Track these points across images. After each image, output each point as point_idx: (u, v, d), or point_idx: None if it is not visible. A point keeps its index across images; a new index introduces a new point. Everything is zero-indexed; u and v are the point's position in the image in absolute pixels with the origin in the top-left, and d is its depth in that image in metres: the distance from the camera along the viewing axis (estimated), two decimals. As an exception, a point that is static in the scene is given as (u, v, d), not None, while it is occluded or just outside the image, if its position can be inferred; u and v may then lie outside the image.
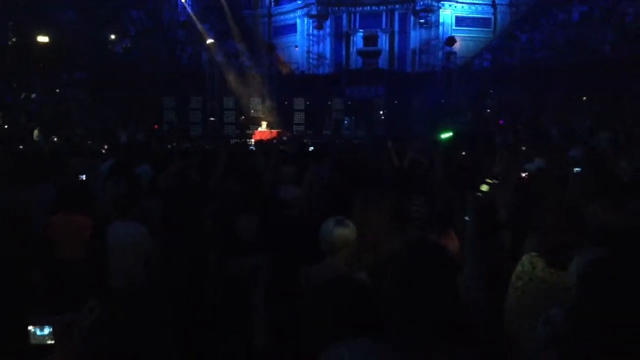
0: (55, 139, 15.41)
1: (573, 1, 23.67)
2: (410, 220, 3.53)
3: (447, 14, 29.39)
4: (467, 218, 2.78)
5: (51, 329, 1.90)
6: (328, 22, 31.05)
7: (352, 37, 30.64)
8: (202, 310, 3.51)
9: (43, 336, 1.90)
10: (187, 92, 23.78)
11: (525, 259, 2.73)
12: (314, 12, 30.73)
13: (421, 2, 28.88)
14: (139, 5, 26.84)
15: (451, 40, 25.10)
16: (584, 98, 19.24)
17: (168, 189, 5.34)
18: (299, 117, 24.67)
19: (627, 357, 1.37)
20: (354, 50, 30.30)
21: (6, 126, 16.99)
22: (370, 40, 29.92)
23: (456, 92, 22.77)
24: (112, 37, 23.67)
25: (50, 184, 5.16)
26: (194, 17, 26.72)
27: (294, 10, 31.82)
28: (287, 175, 5.60)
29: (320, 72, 29.96)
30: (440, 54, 27.70)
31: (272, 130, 20.98)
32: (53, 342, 1.90)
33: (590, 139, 11.85)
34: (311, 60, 30.82)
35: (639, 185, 4.16)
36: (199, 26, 26.31)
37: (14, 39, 18.80)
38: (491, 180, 4.14)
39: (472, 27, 29.34)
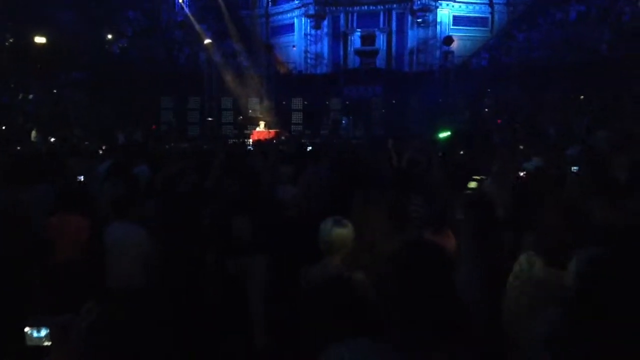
0: (53, 140, 15.38)
1: (570, 0, 23.71)
2: (409, 220, 3.54)
3: (445, 14, 29.40)
4: (458, 217, 2.79)
5: (48, 331, 1.89)
6: (325, 22, 31.04)
7: (349, 37, 30.63)
8: (201, 310, 3.51)
9: (39, 338, 1.89)
10: (185, 92, 23.76)
11: (522, 258, 2.74)
12: (311, 11, 30.72)
13: (419, 2, 28.88)
14: (136, 5, 26.80)
15: (449, 40, 25.11)
16: (582, 97, 19.27)
17: (166, 189, 5.33)
18: (296, 117, 24.67)
19: (624, 357, 1.37)
20: (352, 49, 30.28)
21: (3, 127, 16.95)
22: (367, 39, 29.91)
23: (454, 92, 22.79)
24: (109, 37, 23.61)
25: (48, 185, 5.16)
26: (191, 18, 26.69)
27: (292, 10, 31.80)
28: (285, 176, 5.61)
29: (318, 71, 29.95)
30: (437, 53, 27.70)
31: (270, 130, 20.97)
32: (50, 343, 1.89)
33: (588, 138, 11.87)
34: (309, 60, 30.81)
35: (636, 184, 4.17)
36: (197, 26, 26.28)
37: (11, 40, 18.76)
38: (478, 177, 4.15)
39: (469, 26, 29.36)
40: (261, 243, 3.73)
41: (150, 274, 4.10)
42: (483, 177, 4.71)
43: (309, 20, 31.04)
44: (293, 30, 31.89)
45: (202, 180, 5.70)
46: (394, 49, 30.15)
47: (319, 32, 30.99)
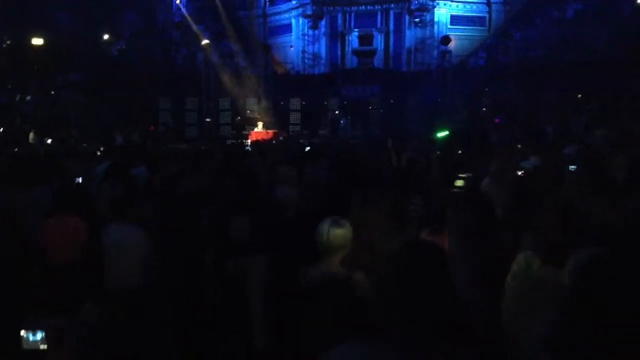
0: (50, 141, 15.36)
1: (567, -1, 23.77)
2: (408, 220, 3.54)
3: (442, 13, 29.42)
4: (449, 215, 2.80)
5: (44, 334, 1.89)
6: (323, 22, 31.04)
7: (347, 37, 30.63)
8: (200, 310, 3.51)
9: (35, 341, 1.89)
10: (183, 93, 23.74)
11: (521, 257, 2.74)
12: (309, 12, 30.71)
13: (416, 2, 28.89)
14: (133, 6, 26.75)
15: (446, 39, 25.13)
16: (579, 96, 19.29)
17: (164, 190, 5.33)
18: (295, 117, 24.66)
19: (624, 358, 1.37)
20: (349, 49, 30.28)
21: (1, 129, 16.91)
22: (365, 39, 29.90)
23: (451, 91, 22.80)
24: (106, 37, 23.57)
25: (46, 186, 5.15)
26: (188, 18, 26.66)
27: (289, 11, 31.79)
28: (283, 176, 5.60)
29: (316, 72, 29.95)
30: (435, 52, 27.72)
31: (268, 131, 20.97)
32: (45, 346, 1.89)
33: (586, 137, 11.89)
34: (306, 60, 30.80)
35: (634, 184, 4.17)
36: (194, 27, 26.26)
37: (8, 42, 18.73)
38: (464, 175, 4.16)
39: (467, 25, 29.39)
40: (260, 243, 3.73)
41: (149, 275, 4.10)
42: (469, 174, 4.71)
43: (306, 21, 31.03)
44: (291, 31, 31.88)
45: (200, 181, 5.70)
46: (391, 48, 30.16)
47: (316, 32, 30.99)
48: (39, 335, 1.89)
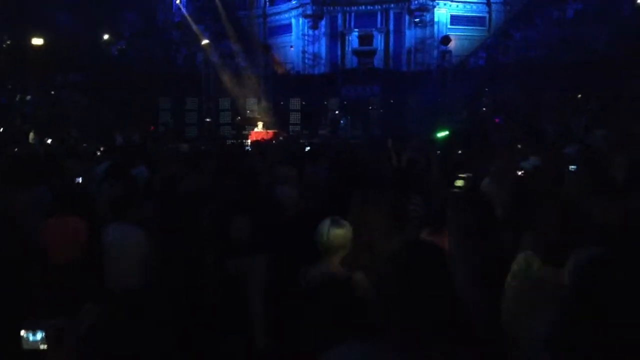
0: (50, 141, 15.36)
1: (567, -1, 23.77)
2: (408, 220, 3.54)
3: (442, 13, 29.41)
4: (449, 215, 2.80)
5: (43, 334, 1.89)
6: (323, 22, 31.03)
7: (347, 37, 30.62)
8: (201, 310, 3.51)
9: (36, 341, 1.89)
10: (183, 93, 23.73)
11: (521, 257, 2.74)
12: (309, 12, 30.71)
13: (416, 2, 28.88)
14: (133, 6, 26.74)
15: (446, 39, 25.13)
16: (579, 96, 19.29)
17: (164, 189, 5.34)
18: (295, 117, 24.65)
19: (623, 358, 1.37)
20: (349, 49, 30.28)
21: (1, 129, 16.91)
22: (365, 39, 29.88)
23: (451, 91, 22.80)
24: (106, 37, 23.57)
25: (46, 187, 5.15)
26: (188, 18, 26.65)
27: (289, 11, 31.78)
28: (283, 176, 5.61)
29: (316, 72, 29.94)
30: (435, 52, 27.71)
31: (269, 131, 20.97)
32: (45, 347, 1.89)
33: (586, 137, 11.89)
34: (307, 60, 30.80)
35: (634, 184, 4.17)
36: (194, 27, 26.26)
37: (8, 42, 18.73)
38: (464, 175, 4.16)
39: (467, 25, 29.38)
40: (260, 243, 3.73)
41: (149, 275, 4.10)
42: (469, 174, 4.71)
43: (306, 21, 31.02)
44: (291, 31, 31.87)
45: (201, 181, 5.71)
46: (391, 48, 30.15)
47: (316, 32, 30.98)
48: (39, 336, 1.89)
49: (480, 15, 29.62)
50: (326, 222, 3.07)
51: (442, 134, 12.31)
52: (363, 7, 30.22)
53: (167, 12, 28.74)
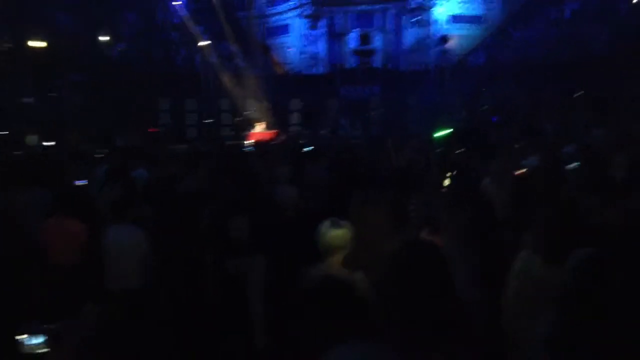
0: (51, 143, 15.34)
1: (565, -2, 23.77)
2: (408, 220, 3.54)
3: (441, 12, 29.41)
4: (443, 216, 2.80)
5: (44, 338, 1.90)
6: (322, 22, 31.03)
7: (346, 37, 30.63)
8: (200, 310, 3.52)
9: (36, 345, 1.90)
10: (183, 94, 23.71)
11: (521, 256, 2.74)
12: (307, 12, 30.71)
13: (414, 1, 28.89)
14: (132, 7, 26.72)
15: (445, 39, 25.13)
16: (579, 94, 19.28)
17: (163, 190, 5.34)
18: (294, 118, 24.64)
19: (622, 357, 1.37)
20: (348, 49, 30.29)
21: (4, 132, 16.90)
22: (364, 39, 29.89)
23: (450, 90, 22.79)
24: (106, 38, 23.53)
25: (46, 188, 5.16)
26: (188, 19, 26.63)
27: (288, 11, 31.77)
28: (283, 176, 5.61)
29: (315, 72, 29.93)
30: (434, 52, 27.71)
31: (268, 132, 20.95)
32: (45, 350, 1.90)
33: (586, 136, 11.87)
34: (306, 61, 30.79)
35: (634, 184, 4.17)
36: (193, 28, 26.23)
37: (9, 44, 18.71)
38: (450, 173, 4.17)
39: (465, 24, 29.37)
40: (259, 243, 3.74)
41: (149, 275, 4.11)
42: (454, 172, 4.72)
43: (305, 21, 31.02)
44: (290, 31, 31.87)
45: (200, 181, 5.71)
46: (390, 48, 30.16)
47: (315, 32, 30.97)
48: (39, 339, 1.89)
49: (479, 14, 29.61)
50: (326, 224, 3.08)
51: (441, 134, 12.29)
52: (361, 7, 30.22)
53: (166, 13, 28.72)
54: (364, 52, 29.08)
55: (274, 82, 26.03)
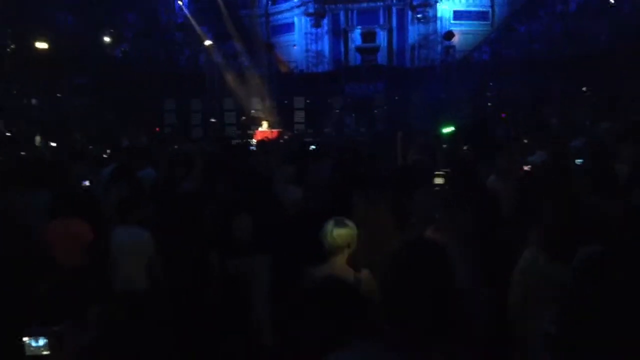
0: (56, 145, 15.41)
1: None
2: (409, 219, 3.53)
3: (445, 8, 29.31)
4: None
5: (46, 341, 1.91)
6: (325, 20, 31.00)
7: (350, 34, 30.59)
8: (202, 310, 3.53)
9: (38, 347, 1.91)
10: (187, 94, 23.74)
11: (527, 253, 2.73)
12: (311, 10, 30.69)
13: (418, -3, 28.84)
14: (135, 7, 26.78)
15: (449, 35, 25.00)
16: (584, 89, 19.17)
17: (166, 190, 5.35)
18: (299, 116, 24.62)
19: (621, 357, 1.36)
20: (353, 47, 30.25)
21: (8, 134, 16.98)
22: (368, 36, 29.85)
23: (456, 86, 22.71)
24: (108, 39, 23.59)
25: (51, 190, 5.17)
26: (191, 19, 26.67)
27: (291, 9, 31.77)
28: (286, 176, 5.60)
29: (320, 70, 29.91)
30: (439, 48, 27.60)
31: (273, 130, 20.95)
32: (48, 353, 1.91)
33: (592, 130, 11.80)
34: (310, 59, 30.77)
35: (636, 180, 4.13)
36: (197, 28, 26.27)
37: (12, 46, 18.79)
38: (442, 172, 4.15)
39: (470, 20, 29.25)
40: (262, 243, 3.74)
41: (155, 275, 4.11)
42: (447, 170, 4.69)
43: (308, 19, 31.00)
44: (293, 29, 31.86)
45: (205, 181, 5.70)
46: (394, 45, 30.09)
47: (319, 30, 30.95)
48: (42, 342, 1.91)
49: (484, 9, 29.50)
50: (330, 223, 3.09)
51: (447, 130, 12.23)
52: (365, 4, 30.17)
53: (169, 14, 28.78)
54: (368, 50, 29.04)
55: (278, 80, 26.05)
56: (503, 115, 20.44)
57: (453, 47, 24.79)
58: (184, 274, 3.71)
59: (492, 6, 29.31)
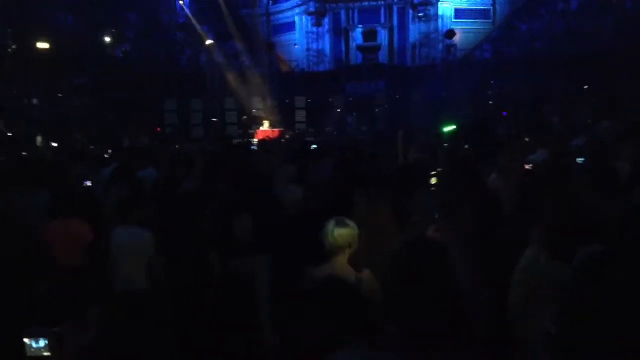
0: (57, 145, 15.42)
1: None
2: (409, 219, 3.53)
3: (446, 7, 29.28)
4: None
5: (47, 341, 1.91)
6: (326, 19, 30.99)
7: (351, 33, 30.59)
8: (202, 310, 3.52)
9: (39, 348, 1.91)
10: (188, 93, 23.74)
11: (528, 252, 2.72)
12: (312, 9, 30.68)
13: (419, -5, 28.81)
14: (135, 7, 26.78)
15: (451, 33, 24.96)
16: (585, 87, 19.14)
17: (167, 190, 5.34)
18: (300, 115, 24.62)
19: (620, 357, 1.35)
20: (354, 46, 30.24)
21: (9, 134, 16.99)
22: (369, 35, 29.84)
23: (457, 85, 22.69)
24: (109, 39, 23.59)
25: (52, 190, 5.17)
26: (192, 19, 26.67)
27: (292, 8, 31.77)
28: (287, 175, 5.60)
29: (321, 69, 29.90)
30: (440, 46, 27.56)
31: (274, 129, 20.95)
32: (49, 353, 1.91)
33: (593, 128, 11.78)
34: (311, 58, 30.77)
35: (636, 179, 4.11)
36: (198, 27, 26.27)
37: (13, 46, 18.80)
38: (435, 172, 4.14)
39: (471, 18, 29.22)
40: (263, 243, 3.73)
41: (155, 275, 4.11)
42: (441, 170, 4.69)
43: (309, 18, 31.00)
44: (294, 28, 31.87)
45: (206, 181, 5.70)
46: (395, 44, 30.09)
47: (320, 29, 30.94)
48: (42, 343, 1.91)
49: (485, 7, 29.47)
50: (331, 223, 3.08)
51: (448, 129, 12.22)
52: (366, 2, 30.16)
53: (170, 13, 28.78)
54: (369, 48, 29.04)
55: (279, 79, 26.05)
56: (504, 113, 20.42)
57: (454, 45, 24.77)
58: (185, 274, 3.71)
59: (493, 4, 29.27)
